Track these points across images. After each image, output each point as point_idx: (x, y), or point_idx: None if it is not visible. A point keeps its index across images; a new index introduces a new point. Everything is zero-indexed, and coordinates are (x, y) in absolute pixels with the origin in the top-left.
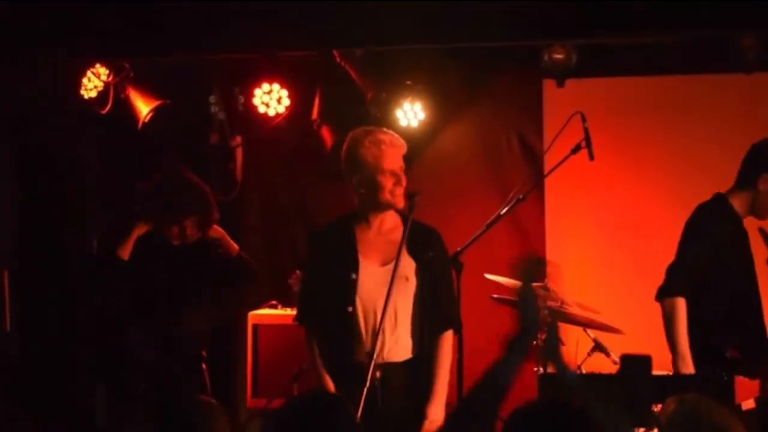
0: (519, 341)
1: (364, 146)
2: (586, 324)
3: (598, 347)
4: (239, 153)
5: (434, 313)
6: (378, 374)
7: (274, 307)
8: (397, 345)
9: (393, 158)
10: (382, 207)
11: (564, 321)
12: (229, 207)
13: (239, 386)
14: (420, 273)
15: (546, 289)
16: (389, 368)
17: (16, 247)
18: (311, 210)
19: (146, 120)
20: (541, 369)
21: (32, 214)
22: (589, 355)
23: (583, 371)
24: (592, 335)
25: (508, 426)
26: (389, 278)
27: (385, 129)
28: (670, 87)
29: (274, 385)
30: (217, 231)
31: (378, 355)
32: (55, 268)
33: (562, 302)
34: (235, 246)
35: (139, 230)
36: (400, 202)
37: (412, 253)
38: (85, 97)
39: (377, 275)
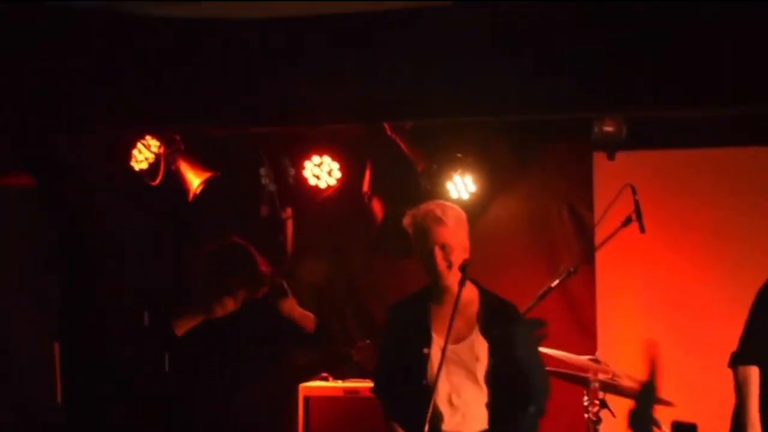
0: None
1: (416, 221)
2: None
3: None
4: (290, 225)
5: (513, 390)
6: None
7: (325, 379)
8: (468, 420)
9: (441, 231)
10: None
11: (616, 393)
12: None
13: None
14: (493, 352)
15: (596, 361)
16: None
17: (67, 319)
18: (360, 283)
19: (197, 192)
20: None
21: (82, 285)
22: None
23: None
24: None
25: None
26: (458, 357)
27: (440, 202)
28: (722, 159)
29: None
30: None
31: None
32: (105, 339)
33: (614, 375)
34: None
35: (199, 318)
36: (447, 275)
37: (485, 332)
38: (136, 168)
39: (449, 353)
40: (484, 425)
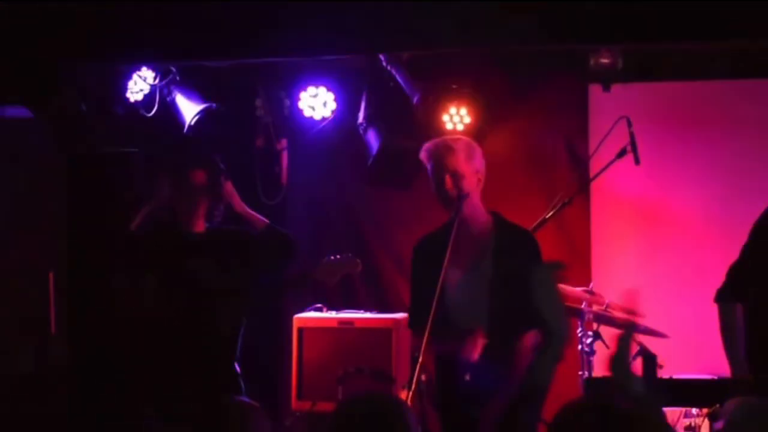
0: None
1: (430, 152)
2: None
3: (643, 351)
4: (284, 157)
5: (521, 314)
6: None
7: (320, 310)
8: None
9: (451, 159)
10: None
11: (609, 324)
12: (275, 211)
13: (284, 389)
14: (500, 276)
15: (591, 293)
16: (476, 365)
17: (63, 248)
18: (356, 214)
19: (192, 123)
20: (586, 373)
21: (79, 215)
22: (633, 358)
23: None
24: (636, 339)
25: (554, 425)
26: (474, 283)
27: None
28: (717, 92)
29: (319, 388)
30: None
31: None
32: (100, 269)
33: (607, 306)
34: (261, 218)
35: (151, 206)
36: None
37: (496, 257)
38: (131, 99)
39: (462, 279)
40: (497, 351)
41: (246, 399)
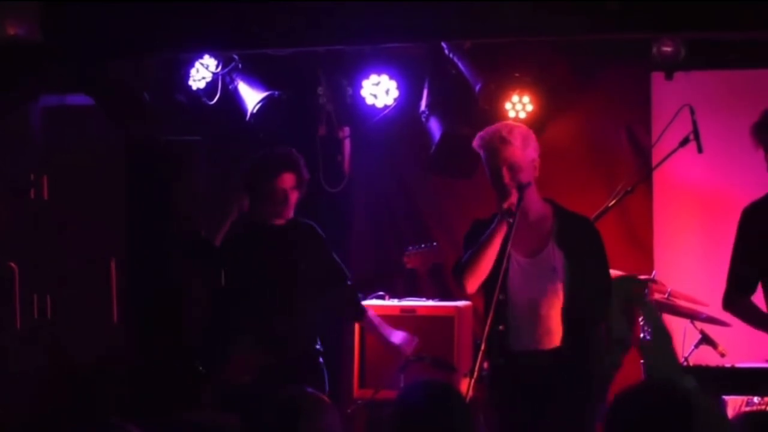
0: None
1: (484, 142)
2: (692, 316)
3: (705, 339)
4: (347, 144)
5: (585, 303)
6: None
7: (382, 298)
8: (543, 335)
9: (508, 151)
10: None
11: (671, 313)
12: (337, 198)
13: (346, 377)
14: (569, 264)
15: (653, 281)
16: (536, 356)
17: (124, 235)
18: (416, 202)
19: (255, 111)
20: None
21: (138, 204)
22: (695, 347)
23: (689, 363)
24: (698, 327)
25: (615, 406)
26: (535, 269)
27: (506, 122)
28: None
29: (380, 376)
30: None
31: (525, 344)
32: (162, 258)
33: (670, 294)
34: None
35: (233, 215)
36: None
37: (560, 244)
38: (194, 87)
39: (524, 266)
40: (557, 342)
41: (312, 391)
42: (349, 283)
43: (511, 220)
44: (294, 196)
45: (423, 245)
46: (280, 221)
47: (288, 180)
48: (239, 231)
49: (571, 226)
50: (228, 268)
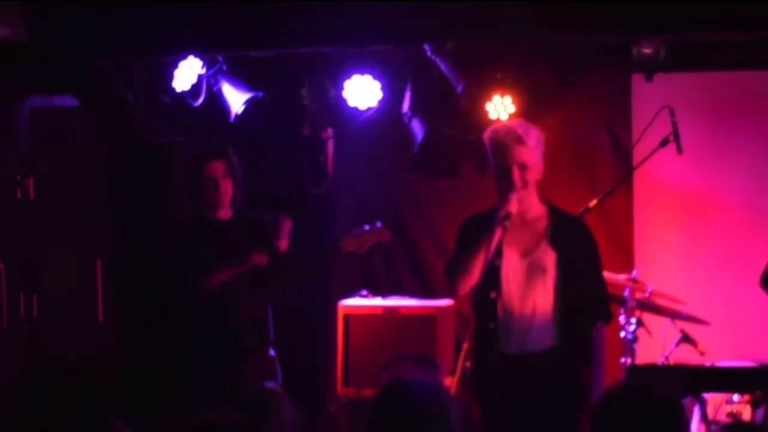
0: None
1: (497, 137)
2: (673, 315)
3: (685, 338)
4: (330, 145)
5: (581, 304)
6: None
7: (365, 296)
8: (534, 335)
9: (521, 151)
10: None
11: (652, 312)
12: (320, 199)
13: (329, 376)
14: (561, 264)
15: (634, 280)
16: (526, 357)
17: (109, 236)
18: (399, 202)
19: (239, 113)
20: (629, 360)
21: (123, 204)
22: (675, 346)
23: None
24: (679, 326)
25: (601, 407)
26: (527, 269)
27: (523, 121)
28: (761, 82)
29: (364, 375)
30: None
31: (515, 344)
32: (146, 258)
33: (650, 294)
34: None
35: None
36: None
37: (554, 244)
38: (178, 89)
39: (517, 265)
40: (551, 342)
41: (274, 385)
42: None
43: (506, 224)
44: (227, 185)
45: (367, 227)
46: (223, 215)
47: (217, 168)
48: (183, 228)
49: (565, 227)
50: (173, 266)
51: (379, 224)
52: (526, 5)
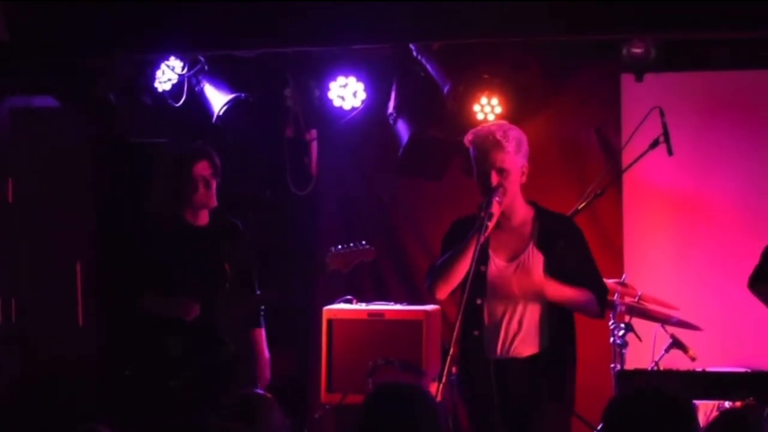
0: None
1: (476, 140)
2: (663, 320)
3: (676, 344)
4: (314, 147)
5: (564, 309)
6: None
7: (350, 302)
8: (520, 341)
9: (499, 156)
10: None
11: (641, 317)
12: (304, 201)
13: (314, 382)
14: (548, 266)
15: (623, 284)
16: (512, 363)
17: (91, 237)
18: (385, 204)
19: (221, 113)
20: (618, 365)
21: (107, 205)
22: (666, 351)
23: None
24: (669, 331)
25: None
26: (514, 273)
27: (503, 123)
28: (751, 82)
29: (348, 381)
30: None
31: (500, 350)
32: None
33: (640, 298)
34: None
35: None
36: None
37: (541, 247)
38: (159, 89)
39: (504, 270)
40: (537, 348)
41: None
42: (258, 292)
43: (488, 223)
44: (213, 185)
45: (351, 245)
46: (203, 219)
47: (204, 168)
48: (158, 229)
49: (553, 228)
50: (147, 269)
51: (364, 243)
52: (524, 5)
